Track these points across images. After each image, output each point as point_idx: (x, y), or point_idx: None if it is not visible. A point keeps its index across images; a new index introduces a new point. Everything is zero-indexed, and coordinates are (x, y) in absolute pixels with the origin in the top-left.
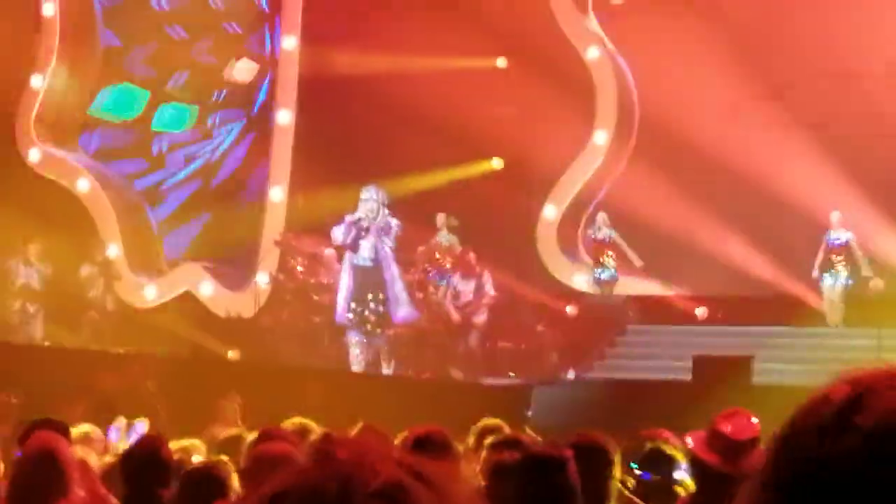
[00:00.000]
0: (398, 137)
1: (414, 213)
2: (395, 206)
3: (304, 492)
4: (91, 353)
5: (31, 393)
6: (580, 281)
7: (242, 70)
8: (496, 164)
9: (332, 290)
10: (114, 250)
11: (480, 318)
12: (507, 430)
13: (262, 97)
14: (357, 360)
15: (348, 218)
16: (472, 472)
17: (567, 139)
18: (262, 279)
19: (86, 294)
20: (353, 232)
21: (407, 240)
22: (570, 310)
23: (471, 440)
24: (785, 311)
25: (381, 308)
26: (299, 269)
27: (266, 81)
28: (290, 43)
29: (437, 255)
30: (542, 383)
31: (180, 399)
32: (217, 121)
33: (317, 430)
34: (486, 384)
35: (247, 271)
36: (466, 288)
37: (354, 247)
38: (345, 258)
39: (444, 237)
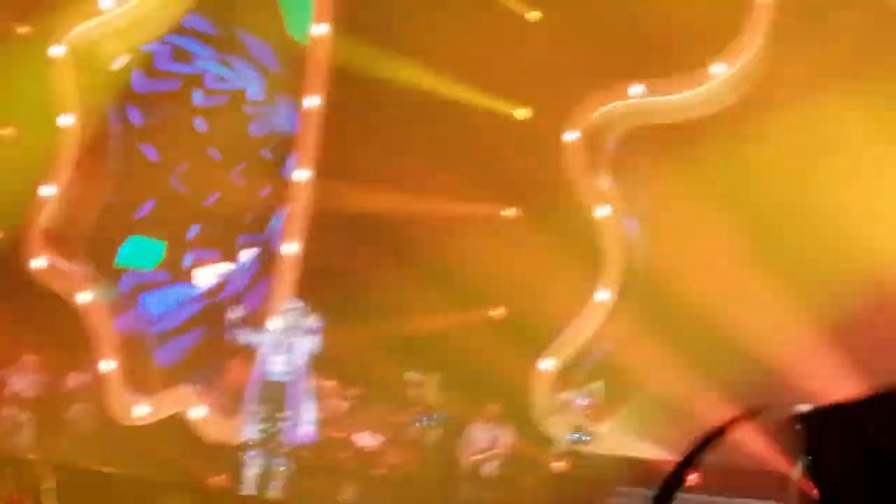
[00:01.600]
0: (401, 279)
1: (409, 355)
2: (389, 347)
3: None
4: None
5: None
6: (572, 438)
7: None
8: (497, 313)
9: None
10: (109, 365)
11: (491, 467)
12: None
13: (277, 226)
14: (249, 480)
15: (275, 333)
16: None
17: (570, 295)
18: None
19: (72, 407)
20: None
21: (398, 379)
22: (558, 466)
23: None
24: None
25: (281, 428)
26: None
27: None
28: (302, 174)
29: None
30: None
31: None
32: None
33: None
34: None
35: (240, 397)
36: (483, 436)
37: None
38: (254, 372)
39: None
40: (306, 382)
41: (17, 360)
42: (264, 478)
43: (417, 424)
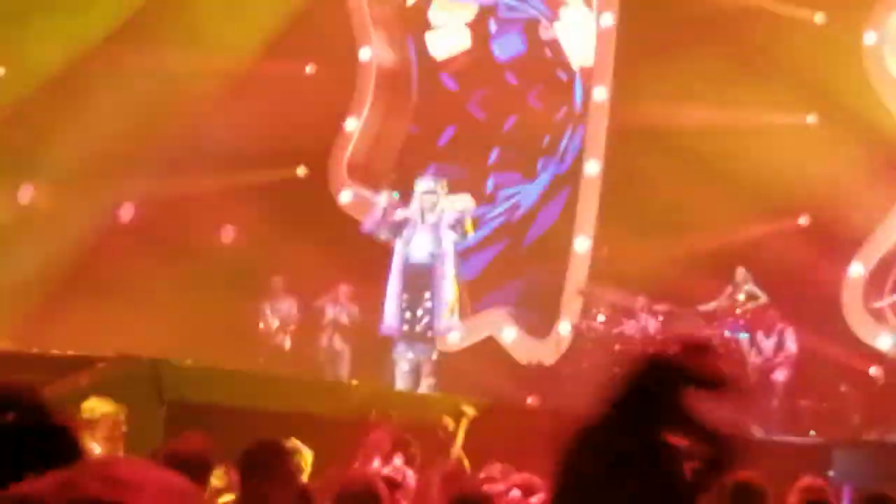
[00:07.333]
0: (704, 191)
1: (715, 268)
2: (697, 260)
3: None
4: (395, 394)
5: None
6: (885, 342)
7: None
8: (803, 221)
9: (634, 341)
10: None
11: (781, 375)
12: (829, 491)
13: (573, 150)
14: (402, 376)
15: (397, 214)
16: None
17: (876, 198)
18: (564, 327)
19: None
20: (391, 224)
21: (705, 294)
22: (875, 371)
23: (792, 499)
24: None
25: (427, 316)
26: (601, 318)
27: (576, 133)
28: (600, 93)
29: (738, 311)
30: (843, 445)
31: (478, 444)
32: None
33: None
34: (786, 442)
35: (549, 319)
36: (767, 344)
37: (398, 237)
38: (395, 256)
39: (747, 291)
40: (450, 264)
41: (332, 290)
42: (416, 372)
43: (728, 334)
